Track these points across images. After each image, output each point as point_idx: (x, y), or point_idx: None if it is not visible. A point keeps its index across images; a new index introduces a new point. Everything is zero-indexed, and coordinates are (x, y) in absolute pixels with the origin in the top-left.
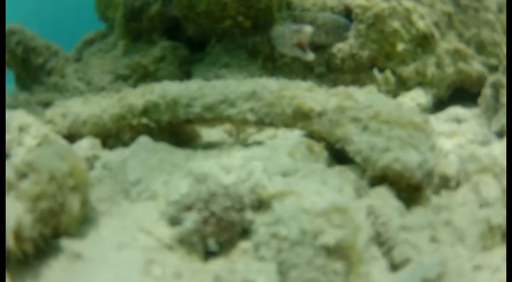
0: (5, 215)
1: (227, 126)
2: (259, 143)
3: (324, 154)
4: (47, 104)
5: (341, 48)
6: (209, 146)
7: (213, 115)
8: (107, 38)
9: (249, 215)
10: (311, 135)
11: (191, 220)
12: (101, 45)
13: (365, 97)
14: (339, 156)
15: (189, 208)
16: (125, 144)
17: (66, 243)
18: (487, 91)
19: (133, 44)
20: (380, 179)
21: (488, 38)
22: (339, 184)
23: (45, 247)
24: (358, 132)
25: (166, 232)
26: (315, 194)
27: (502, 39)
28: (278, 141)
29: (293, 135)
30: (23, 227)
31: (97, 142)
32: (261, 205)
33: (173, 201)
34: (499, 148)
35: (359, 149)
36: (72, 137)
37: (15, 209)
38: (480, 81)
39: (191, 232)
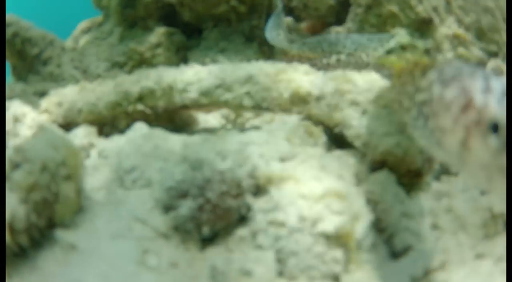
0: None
1: (224, 111)
2: (256, 128)
3: (323, 138)
4: (43, 94)
5: (339, 32)
6: (206, 131)
7: (209, 101)
8: (103, 26)
9: (245, 201)
10: (309, 119)
11: (186, 207)
12: (97, 34)
13: (364, 80)
14: (338, 140)
15: (183, 195)
16: (121, 131)
17: (61, 234)
18: None
19: (129, 31)
20: (380, 164)
21: (488, 25)
22: (338, 169)
23: (40, 238)
24: (357, 116)
25: (161, 220)
26: (313, 179)
27: (501, 26)
28: (275, 125)
29: (291, 120)
30: (17, 219)
31: (92, 130)
32: (258, 191)
33: (168, 188)
34: None
35: (359, 133)
36: (68, 126)
37: (9, 201)
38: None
39: (186, 219)
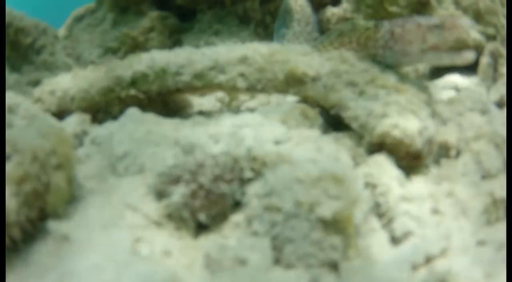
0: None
1: (219, 94)
2: (250, 110)
3: (319, 120)
4: (37, 84)
5: (335, 13)
6: (201, 115)
7: (203, 83)
8: (96, 13)
9: (240, 186)
10: (305, 101)
11: (178, 193)
12: (90, 20)
13: (361, 61)
14: (335, 122)
15: (176, 180)
16: (115, 117)
17: (53, 225)
18: (484, 59)
19: (122, 16)
20: (378, 146)
21: (485, 7)
22: (335, 151)
23: (32, 231)
24: (354, 97)
25: (154, 208)
26: (310, 162)
27: (499, 9)
28: (270, 107)
29: (287, 102)
30: (9, 212)
31: (86, 117)
32: (252, 175)
33: (160, 173)
34: (499, 117)
35: (356, 115)
36: (61, 113)
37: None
38: (477, 50)
39: (179, 206)
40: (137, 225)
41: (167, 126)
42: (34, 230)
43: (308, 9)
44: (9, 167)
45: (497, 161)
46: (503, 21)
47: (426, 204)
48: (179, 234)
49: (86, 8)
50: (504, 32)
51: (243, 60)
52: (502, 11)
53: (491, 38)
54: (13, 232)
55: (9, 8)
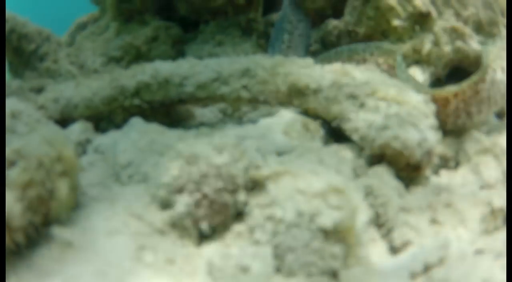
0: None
1: (222, 105)
2: (253, 121)
3: (321, 132)
4: (39, 90)
5: (336, 25)
6: (203, 126)
7: (206, 94)
8: (99, 21)
9: (242, 196)
10: (306, 113)
11: (182, 203)
12: (94, 29)
13: (362, 74)
14: (336, 134)
15: (180, 190)
16: (118, 126)
17: (57, 231)
18: None
19: (125, 26)
20: (378, 157)
21: (486, 18)
22: (336, 163)
23: (36, 236)
24: (355, 109)
25: (158, 216)
26: (311, 173)
27: (500, 19)
28: (272, 119)
29: (288, 113)
30: (13, 217)
31: (89, 125)
32: (255, 185)
33: (164, 183)
34: (499, 128)
35: (356, 127)
36: (64, 121)
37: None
38: (477, 61)
39: (183, 215)
40: (141, 232)
41: (171, 136)
42: (38, 235)
43: (302, 23)
44: (14, 172)
45: (496, 172)
46: (504, 31)
47: (425, 214)
48: (183, 242)
49: (89, 16)
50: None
51: (246, 72)
52: (503, 21)
53: None
54: (17, 236)
55: (12, 14)
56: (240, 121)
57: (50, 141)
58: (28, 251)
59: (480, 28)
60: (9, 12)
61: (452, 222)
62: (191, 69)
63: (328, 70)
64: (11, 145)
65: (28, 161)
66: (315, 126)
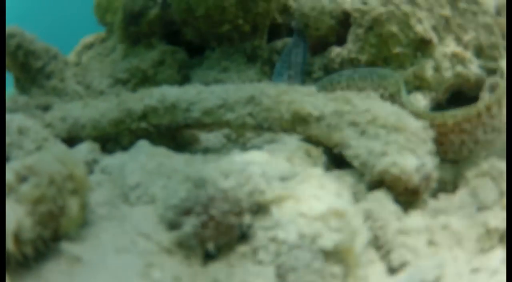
0: (5, 218)
1: (226, 130)
2: (257, 148)
3: (322, 158)
4: (46, 108)
5: (339, 53)
6: (208, 151)
7: (212, 120)
8: (106, 42)
9: (247, 219)
10: (309, 140)
11: (190, 224)
12: (100, 49)
13: (363, 102)
14: (337, 160)
15: (188, 212)
16: (124, 148)
17: (65, 246)
18: (485, 95)
19: (132, 48)
20: (378, 183)
21: (486, 42)
22: (337, 188)
23: (44, 250)
24: (356, 136)
25: (165, 236)
26: (313, 198)
27: (500, 42)
28: (276, 146)
29: (292, 140)
30: (23, 230)
31: (96, 146)
32: (259, 209)
33: (172, 205)
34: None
35: (357, 153)
36: (71, 141)
37: (15, 212)
38: (478, 85)
39: (190, 235)
40: (149, 251)
41: (178, 160)
42: (47, 249)
43: (298, 57)
44: (26, 188)
45: (493, 194)
46: (504, 53)
47: (422, 236)
48: (189, 261)
49: (95, 37)
50: (503, 64)
51: (251, 99)
52: (503, 43)
53: (492, 72)
54: (26, 249)
55: (20, 29)
56: (244, 147)
57: (62, 160)
58: (37, 264)
59: (481, 52)
60: (17, 28)
61: (448, 243)
62: (198, 95)
63: (330, 98)
64: (23, 161)
65: (40, 178)
66: (317, 152)
